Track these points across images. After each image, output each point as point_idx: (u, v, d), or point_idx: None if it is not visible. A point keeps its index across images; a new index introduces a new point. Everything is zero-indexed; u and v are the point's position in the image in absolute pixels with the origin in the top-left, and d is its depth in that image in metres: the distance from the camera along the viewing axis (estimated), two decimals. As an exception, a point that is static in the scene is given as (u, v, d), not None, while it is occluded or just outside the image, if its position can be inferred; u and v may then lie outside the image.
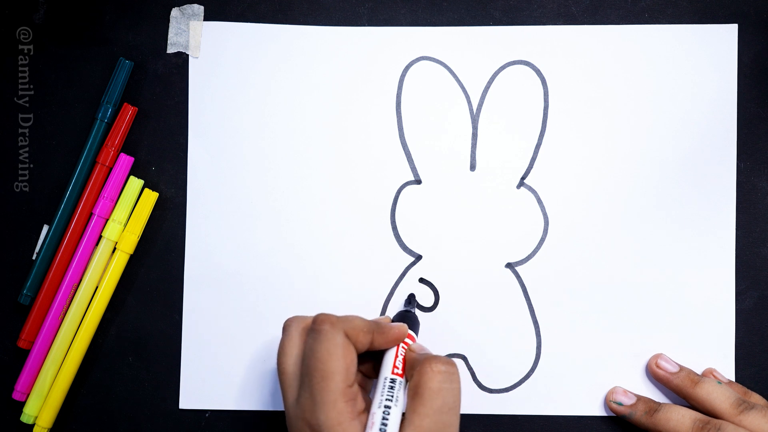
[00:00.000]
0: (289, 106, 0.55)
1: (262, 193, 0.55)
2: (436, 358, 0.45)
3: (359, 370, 0.49)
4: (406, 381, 0.47)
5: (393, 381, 0.46)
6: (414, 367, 0.45)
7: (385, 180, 0.55)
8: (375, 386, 0.47)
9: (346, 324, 0.45)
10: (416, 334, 0.50)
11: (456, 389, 0.44)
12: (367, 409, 0.45)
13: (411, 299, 0.53)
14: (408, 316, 0.51)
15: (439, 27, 0.55)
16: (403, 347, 0.48)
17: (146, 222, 0.54)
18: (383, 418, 0.44)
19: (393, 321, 0.51)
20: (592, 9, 0.55)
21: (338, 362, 0.44)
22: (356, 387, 0.45)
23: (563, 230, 0.55)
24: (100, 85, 0.55)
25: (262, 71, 0.55)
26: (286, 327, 0.47)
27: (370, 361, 0.49)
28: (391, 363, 0.47)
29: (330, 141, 0.55)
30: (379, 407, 0.44)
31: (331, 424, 0.43)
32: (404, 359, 0.47)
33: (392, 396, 0.45)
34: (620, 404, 0.53)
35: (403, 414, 0.45)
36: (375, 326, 0.47)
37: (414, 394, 0.44)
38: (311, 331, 0.45)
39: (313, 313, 0.46)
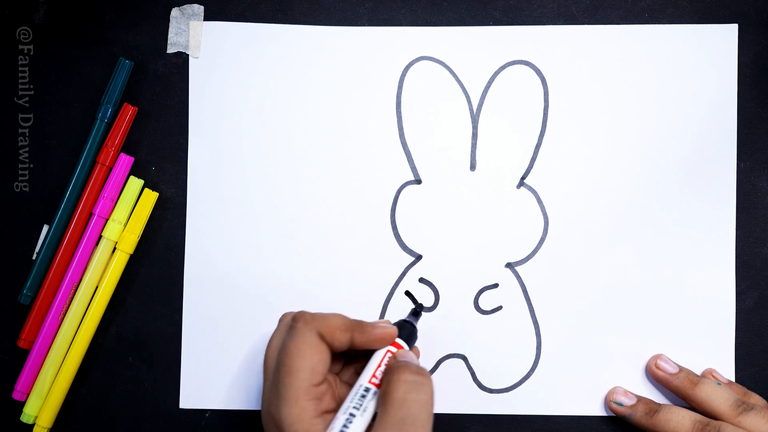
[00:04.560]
0: (289, 106, 0.55)
1: (262, 193, 0.55)
2: (407, 366, 0.44)
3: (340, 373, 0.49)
4: None
5: (366, 390, 0.45)
6: (386, 375, 0.45)
7: (385, 180, 0.55)
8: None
9: (321, 322, 0.45)
10: (410, 345, 0.48)
11: (424, 401, 0.43)
12: (337, 410, 0.45)
13: (416, 313, 0.51)
14: (405, 326, 0.49)
15: (439, 27, 0.55)
16: (388, 356, 0.47)
17: (146, 222, 0.54)
18: (344, 425, 0.43)
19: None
20: (592, 9, 0.55)
21: (304, 360, 0.44)
22: (325, 386, 0.45)
23: (563, 230, 0.55)
24: (100, 85, 0.55)
25: (262, 71, 0.55)
26: (280, 321, 0.48)
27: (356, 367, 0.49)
28: (371, 372, 0.46)
29: (330, 141, 0.55)
30: (344, 413, 0.44)
31: (291, 421, 0.43)
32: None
33: (360, 405, 0.44)
34: (621, 405, 0.53)
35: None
36: (356, 325, 0.46)
37: (381, 403, 0.43)
38: (287, 327, 0.46)
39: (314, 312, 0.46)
